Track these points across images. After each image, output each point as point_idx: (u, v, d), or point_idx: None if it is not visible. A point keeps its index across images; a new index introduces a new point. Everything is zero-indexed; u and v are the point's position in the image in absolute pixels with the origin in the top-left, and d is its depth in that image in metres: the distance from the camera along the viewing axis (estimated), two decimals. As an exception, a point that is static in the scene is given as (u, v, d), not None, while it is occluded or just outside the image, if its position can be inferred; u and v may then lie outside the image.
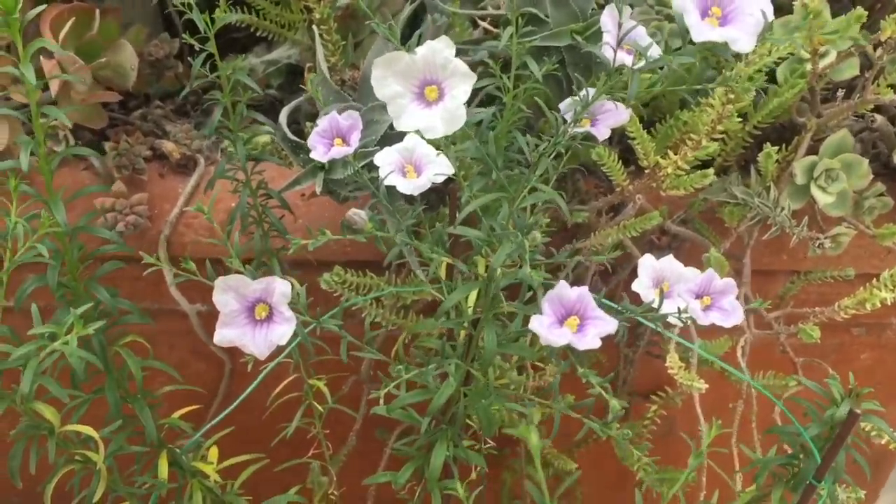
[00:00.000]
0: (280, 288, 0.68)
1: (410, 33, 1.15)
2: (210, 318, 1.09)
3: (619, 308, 0.75)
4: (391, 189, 0.77)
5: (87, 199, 1.10)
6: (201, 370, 1.20)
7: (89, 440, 0.82)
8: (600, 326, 0.65)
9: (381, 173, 0.75)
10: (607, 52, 0.64)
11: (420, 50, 0.63)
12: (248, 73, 1.19)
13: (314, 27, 1.05)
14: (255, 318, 0.69)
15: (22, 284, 0.79)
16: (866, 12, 0.93)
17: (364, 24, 1.17)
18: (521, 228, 0.65)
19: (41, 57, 1.02)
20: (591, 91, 0.69)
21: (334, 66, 1.06)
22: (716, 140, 0.94)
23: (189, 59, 0.85)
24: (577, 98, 0.66)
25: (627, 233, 0.98)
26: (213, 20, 0.84)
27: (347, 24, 1.16)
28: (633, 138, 0.93)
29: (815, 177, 1.01)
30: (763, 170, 1.01)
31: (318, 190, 0.90)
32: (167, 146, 1.13)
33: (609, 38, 0.64)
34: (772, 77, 1.04)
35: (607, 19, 0.65)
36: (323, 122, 0.74)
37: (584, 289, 0.66)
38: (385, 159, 0.76)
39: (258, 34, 1.20)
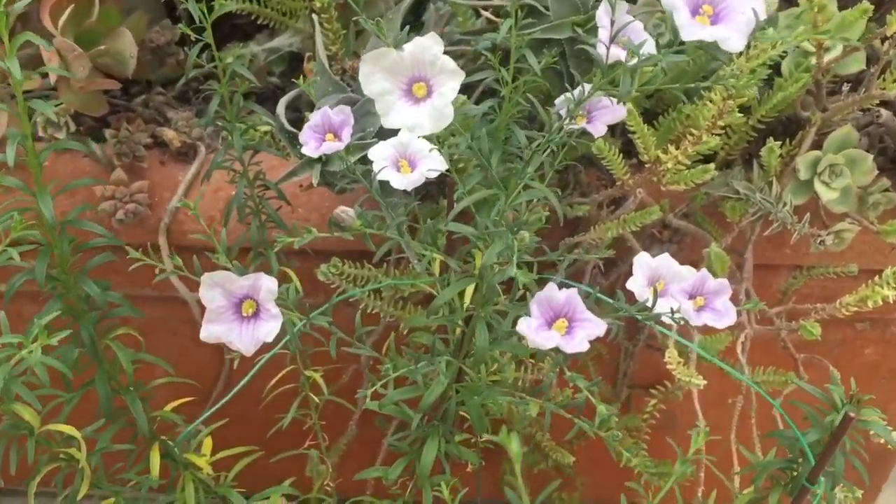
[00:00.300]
0: (267, 285, 0.67)
1: (413, 21, 1.15)
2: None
3: (614, 305, 0.74)
4: (386, 182, 0.76)
5: (86, 185, 1.11)
6: (204, 359, 1.20)
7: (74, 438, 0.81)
8: (589, 329, 0.64)
9: (375, 168, 0.74)
10: (601, 49, 0.63)
11: (408, 46, 0.63)
12: (250, 61, 1.19)
13: (314, 15, 1.04)
14: (241, 315, 0.69)
15: (10, 279, 0.78)
16: (873, 6, 0.91)
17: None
18: (511, 227, 0.64)
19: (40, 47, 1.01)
20: (589, 86, 0.68)
21: (335, 55, 1.05)
22: (717, 135, 0.92)
23: (202, 39, 0.84)
24: (568, 96, 0.65)
25: (627, 227, 0.97)
26: (210, 8, 0.84)
27: (349, 13, 1.15)
28: (634, 132, 0.92)
29: (819, 172, 1.00)
30: (766, 164, 1.00)
31: (315, 182, 0.90)
32: (168, 134, 1.13)
33: (603, 33, 0.63)
34: (778, 69, 1.02)
35: (602, 14, 0.64)
36: (315, 117, 0.74)
37: (573, 291, 0.65)
38: (379, 154, 0.76)
39: (260, 22, 1.20)
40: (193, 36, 0.82)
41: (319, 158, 0.89)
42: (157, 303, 1.16)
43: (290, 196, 1.06)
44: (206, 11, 0.82)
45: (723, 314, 0.70)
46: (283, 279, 0.97)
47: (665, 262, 0.73)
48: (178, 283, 1.12)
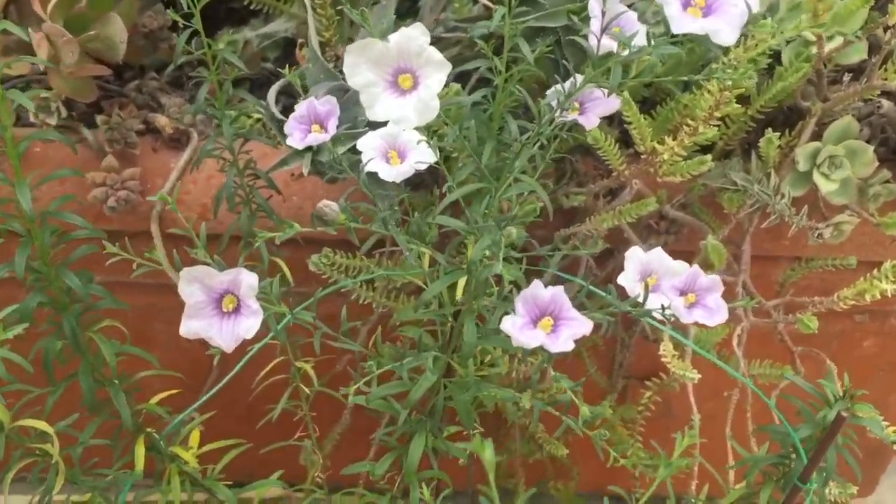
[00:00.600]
0: (247, 280, 0.66)
1: (410, 7, 1.14)
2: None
3: (606, 299, 0.73)
4: (376, 173, 0.75)
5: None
6: (199, 347, 1.19)
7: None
8: (575, 328, 0.63)
9: (364, 159, 0.73)
10: (592, 40, 0.61)
11: (394, 37, 0.61)
12: (244, 47, 1.18)
13: (307, 0, 1.02)
14: (222, 310, 0.68)
15: (-9, 271, 0.77)
16: (875, -5, 0.90)
17: (361, -3, 1.15)
18: (499, 222, 0.63)
19: (29, 29, 1.00)
20: (581, 77, 0.66)
21: (328, 42, 1.04)
22: (715, 125, 0.91)
23: (191, 24, 0.83)
24: (559, 88, 0.64)
25: (623, 218, 0.96)
26: (201, -6, 0.82)
27: (343, -2, 1.14)
28: (630, 122, 0.90)
29: (818, 164, 0.98)
30: (764, 155, 0.98)
31: (306, 171, 0.88)
32: (160, 120, 1.12)
33: (594, 23, 0.62)
34: (779, 57, 1.01)
35: (594, 3, 0.62)
36: (300, 108, 0.72)
37: (559, 289, 0.64)
38: (368, 144, 0.74)
39: (255, 6, 1.18)
40: (182, 22, 0.81)
41: (310, 147, 0.87)
42: (151, 291, 1.15)
43: (284, 184, 1.05)
44: (195, -2, 0.80)
45: (714, 311, 0.69)
46: (273, 269, 0.96)
47: (657, 256, 0.72)
48: (171, 271, 1.11)
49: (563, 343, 0.61)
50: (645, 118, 0.95)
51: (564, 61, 0.85)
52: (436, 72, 0.61)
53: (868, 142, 1.05)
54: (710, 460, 1.06)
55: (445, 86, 0.93)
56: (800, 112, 1.05)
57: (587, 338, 1.08)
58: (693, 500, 0.92)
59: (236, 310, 0.67)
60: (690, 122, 0.89)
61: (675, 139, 0.92)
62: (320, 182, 1.05)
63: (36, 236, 0.75)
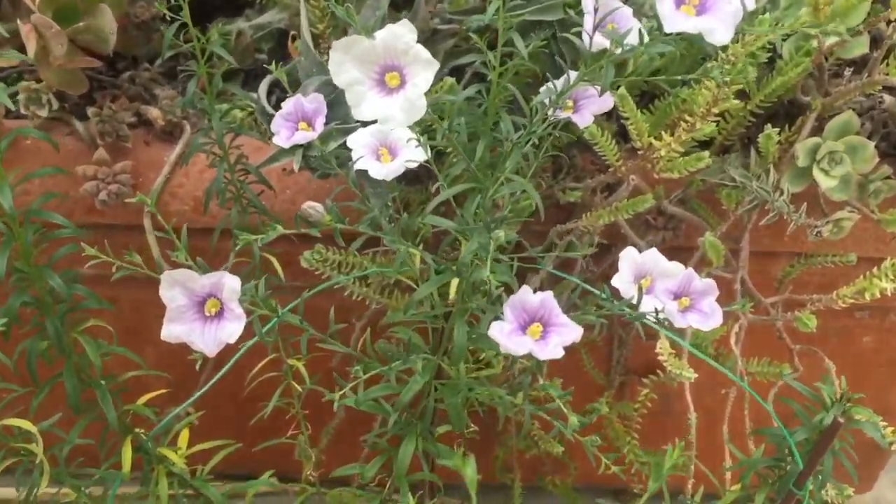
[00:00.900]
0: (230, 284, 0.65)
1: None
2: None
3: (599, 302, 0.72)
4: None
5: (69, 164, 1.08)
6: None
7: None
8: (564, 335, 0.61)
9: (354, 156, 0.71)
10: (585, 37, 0.60)
11: (380, 34, 0.59)
12: (237, 37, 1.16)
13: (299, -9, 1.01)
14: (204, 314, 0.66)
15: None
16: (877, -11, 0.88)
17: (356, -12, 1.13)
18: (488, 224, 0.61)
19: (18, 21, 0.99)
20: (575, 74, 0.65)
21: (321, 34, 1.02)
22: (713, 121, 0.89)
23: (179, 17, 0.81)
24: (551, 86, 0.62)
25: (620, 215, 0.94)
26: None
27: (336, -12, 1.12)
28: (627, 118, 0.89)
29: (818, 159, 0.97)
30: (763, 151, 0.97)
31: (296, 167, 0.87)
32: (152, 113, 1.11)
33: (588, 20, 0.60)
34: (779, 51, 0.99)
35: (587, 0, 0.61)
36: (287, 105, 0.71)
37: (549, 294, 0.62)
38: (359, 142, 0.73)
39: (248, -4, 1.17)
40: (169, 15, 0.79)
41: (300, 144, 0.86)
42: (144, 284, 1.14)
43: (277, 177, 1.04)
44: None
45: (709, 316, 0.67)
46: (265, 265, 0.95)
47: (652, 257, 0.70)
48: (163, 265, 1.09)
49: (552, 350, 0.60)
50: (642, 113, 0.93)
51: (559, 58, 0.84)
52: (423, 70, 0.59)
53: (869, 137, 1.03)
54: (709, 455, 1.05)
55: (440, 80, 0.92)
56: (800, 106, 1.03)
57: (584, 335, 1.08)
58: (688, 501, 0.91)
59: (219, 314, 0.66)
60: (688, 117, 0.87)
61: (672, 135, 0.90)
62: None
63: (18, 235, 0.74)
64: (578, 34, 0.88)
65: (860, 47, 0.97)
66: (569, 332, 0.61)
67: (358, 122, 0.88)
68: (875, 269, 0.94)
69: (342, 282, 0.91)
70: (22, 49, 1.02)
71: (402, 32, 0.59)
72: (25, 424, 0.78)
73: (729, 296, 1.04)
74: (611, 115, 1.06)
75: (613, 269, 1.10)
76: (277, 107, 0.97)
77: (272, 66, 0.78)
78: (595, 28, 0.59)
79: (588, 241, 0.92)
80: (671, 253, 1.07)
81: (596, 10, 0.58)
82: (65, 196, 1.08)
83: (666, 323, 0.66)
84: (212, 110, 0.85)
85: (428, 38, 1.00)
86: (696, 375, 0.93)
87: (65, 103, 1.12)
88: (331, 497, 1.10)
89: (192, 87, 0.85)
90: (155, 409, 0.86)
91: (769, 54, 0.95)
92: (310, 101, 0.71)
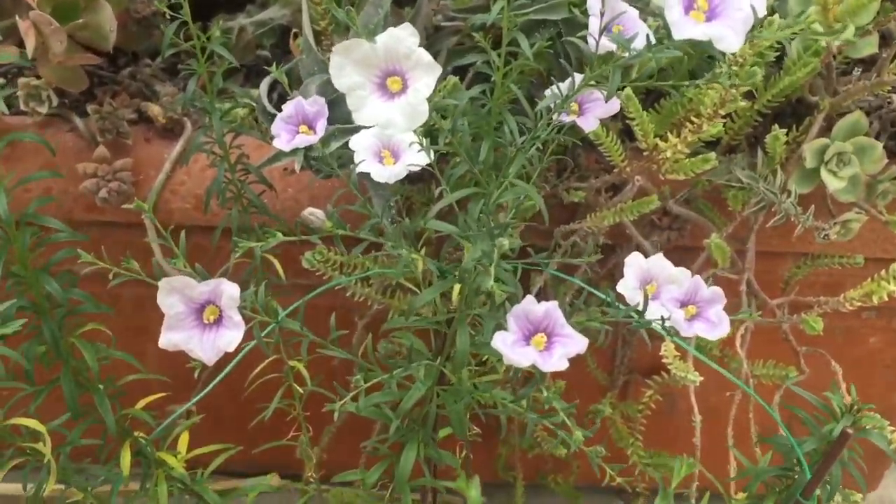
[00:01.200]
0: (228, 291, 0.64)
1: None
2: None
3: (604, 299, 0.70)
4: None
5: (70, 161, 1.07)
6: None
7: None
8: (569, 346, 0.60)
9: (357, 159, 0.70)
10: (590, 41, 0.58)
11: (381, 37, 0.58)
12: (238, 33, 1.15)
13: (301, -13, 0.99)
14: (203, 322, 0.65)
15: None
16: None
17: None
18: (492, 231, 0.60)
19: (17, 17, 0.98)
20: (580, 77, 0.64)
21: (323, 32, 1.01)
22: (720, 120, 0.88)
23: (179, 14, 0.80)
24: (556, 91, 0.61)
25: (625, 216, 0.93)
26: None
27: (339, -15, 1.11)
28: (632, 118, 0.88)
29: (826, 160, 0.95)
30: (770, 152, 0.96)
31: (298, 168, 0.86)
32: (153, 110, 1.09)
33: (593, 23, 0.59)
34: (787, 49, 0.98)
35: (593, 1, 0.60)
36: (288, 108, 0.70)
37: (553, 304, 0.61)
38: (361, 144, 0.72)
39: (251, -8, 1.16)
40: (168, 13, 0.78)
41: (301, 145, 0.85)
42: (148, 284, 1.13)
43: (278, 176, 1.03)
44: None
45: (716, 325, 0.66)
46: (266, 264, 0.94)
47: (658, 262, 0.69)
48: (165, 265, 1.08)
49: (556, 362, 0.59)
50: (648, 112, 0.92)
51: (563, 60, 0.82)
52: (425, 75, 0.58)
53: (877, 136, 1.02)
54: (713, 455, 1.04)
55: (443, 77, 0.91)
56: (807, 105, 1.02)
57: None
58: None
59: (218, 321, 0.65)
60: (695, 118, 0.86)
61: (678, 135, 0.89)
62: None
63: (14, 239, 0.73)
64: (583, 36, 0.87)
65: (869, 47, 0.95)
66: (573, 343, 0.60)
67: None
68: (883, 272, 0.93)
69: (344, 283, 0.90)
70: (21, 45, 1.02)
71: (404, 36, 0.58)
72: (34, 424, 0.78)
73: (734, 297, 1.03)
74: (616, 115, 1.05)
75: (618, 269, 1.10)
76: (279, 104, 0.96)
77: (273, 68, 0.76)
78: (601, 32, 0.57)
79: (593, 242, 0.91)
80: (676, 253, 1.07)
81: (602, 14, 0.57)
82: (65, 193, 1.07)
83: (672, 331, 0.65)
84: (212, 109, 0.84)
85: (430, 36, 0.98)
86: (702, 379, 0.92)
87: (65, 99, 1.11)
88: (333, 496, 1.10)
89: (192, 86, 0.83)
90: (153, 412, 0.85)
91: (777, 53, 0.94)
92: (311, 104, 0.70)
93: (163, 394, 0.89)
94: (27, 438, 0.80)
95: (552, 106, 0.63)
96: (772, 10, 0.73)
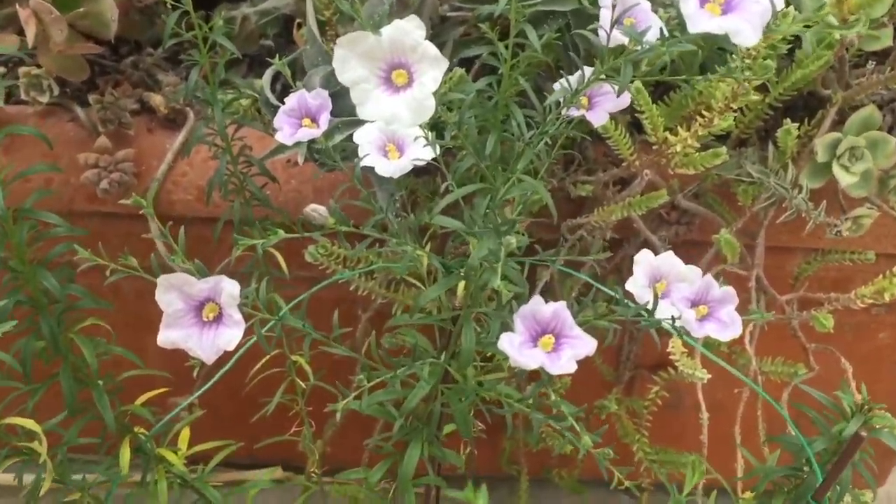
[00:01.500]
0: (228, 289, 0.62)
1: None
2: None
3: (612, 294, 0.69)
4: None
5: (71, 151, 1.06)
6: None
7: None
8: (578, 348, 0.59)
9: (361, 153, 0.69)
10: (601, 33, 0.57)
11: (387, 30, 0.57)
12: (241, 23, 1.13)
13: (304, -25, 0.97)
14: (202, 319, 0.64)
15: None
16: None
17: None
18: (498, 228, 0.59)
19: (17, 6, 0.97)
20: (590, 71, 0.62)
21: (328, 21, 0.99)
22: (732, 114, 0.86)
23: (181, 3, 0.79)
24: (565, 85, 0.60)
25: (633, 210, 0.92)
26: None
27: (345, -27, 1.09)
28: (642, 111, 0.86)
29: (839, 155, 0.94)
30: (782, 146, 0.94)
31: (301, 160, 0.85)
32: (155, 99, 1.08)
33: (605, 14, 0.57)
34: (799, 41, 0.96)
35: (605, -7, 0.58)
36: (291, 101, 0.68)
37: (562, 304, 0.60)
38: (365, 137, 0.70)
39: (253, -20, 1.14)
40: (171, 2, 0.77)
41: (304, 137, 0.83)
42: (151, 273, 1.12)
43: (282, 168, 1.01)
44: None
45: (727, 325, 0.65)
46: (269, 257, 0.93)
47: (668, 260, 0.68)
48: (166, 260, 1.07)
49: (564, 364, 0.58)
50: (657, 105, 0.90)
51: (572, 53, 0.81)
52: (431, 68, 0.57)
53: (890, 130, 1.00)
54: (719, 449, 1.03)
55: (450, 69, 0.90)
56: (819, 98, 1.00)
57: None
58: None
59: (217, 319, 0.63)
60: (706, 112, 0.85)
61: (688, 129, 0.87)
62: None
63: (12, 233, 0.72)
64: (593, 28, 0.85)
65: (884, 39, 0.94)
66: (582, 344, 0.59)
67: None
68: (894, 268, 0.91)
69: (347, 277, 0.89)
70: (21, 34, 1.00)
71: (410, 28, 0.56)
72: (29, 423, 0.76)
73: (743, 292, 1.02)
74: (624, 108, 1.04)
75: (625, 263, 1.09)
76: (283, 95, 0.95)
77: (276, 59, 0.75)
78: (613, 25, 0.56)
79: (600, 237, 0.89)
80: (685, 248, 1.06)
81: (614, 6, 0.56)
82: (66, 184, 1.06)
83: (682, 331, 0.64)
84: (214, 100, 0.83)
85: (436, 26, 0.97)
86: (710, 376, 0.91)
87: (66, 89, 1.10)
88: (335, 491, 1.09)
89: (193, 77, 0.82)
90: (154, 409, 0.84)
91: (789, 45, 0.92)
92: (314, 97, 0.68)
93: (164, 389, 0.88)
94: (23, 438, 0.79)
95: (561, 100, 0.61)
96: (786, 2, 0.71)
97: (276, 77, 1.02)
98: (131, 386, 0.91)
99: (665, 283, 0.67)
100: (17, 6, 0.96)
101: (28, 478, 0.85)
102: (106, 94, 1.06)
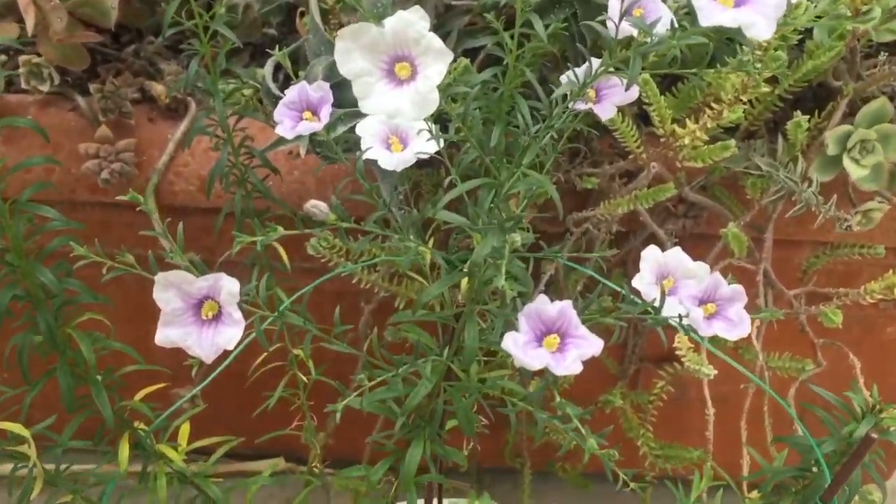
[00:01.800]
0: (227, 287, 0.61)
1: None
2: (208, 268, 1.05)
3: (618, 289, 0.68)
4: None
5: (72, 140, 1.05)
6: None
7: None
8: (584, 348, 0.57)
9: (363, 145, 0.68)
10: (609, 25, 0.56)
11: (390, 21, 0.55)
12: (244, 11, 1.12)
13: (306, -38, 0.96)
14: (201, 318, 0.63)
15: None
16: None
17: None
18: (503, 224, 0.58)
19: (16, -7, 0.95)
20: (598, 62, 0.61)
21: (331, 10, 0.98)
22: (741, 106, 0.85)
23: (170, -1, 0.78)
24: (572, 78, 0.58)
25: (640, 203, 0.91)
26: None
27: (348, -40, 1.07)
28: (649, 103, 0.85)
29: (849, 148, 0.92)
30: (791, 138, 0.92)
31: (303, 152, 0.83)
32: (156, 89, 1.07)
33: (613, 4, 0.56)
34: (810, 31, 0.94)
35: (613, -17, 0.57)
36: (291, 93, 0.67)
37: (567, 304, 0.58)
38: (368, 129, 0.69)
39: (256, -33, 1.12)
40: (170, -7, 0.76)
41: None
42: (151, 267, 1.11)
43: (284, 160, 1.00)
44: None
45: (736, 324, 0.64)
46: (270, 250, 0.92)
47: (675, 256, 0.66)
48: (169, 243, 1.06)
49: (570, 365, 0.56)
50: (665, 97, 0.89)
51: (579, 41, 0.79)
52: (435, 61, 0.55)
53: (901, 122, 0.99)
54: (725, 445, 1.02)
55: (454, 60, 0.88)
56: (829, 90, 0.99)
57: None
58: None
59: (217, 317, 0.62)
60: (715, 104, 0.83)
61: (696, 121, 0.86)
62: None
63: (8, 227, 0.70)
64: (601, 19, 0.83)
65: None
66: (588, 344, 0.57)
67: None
68: (905, 264, 0.90)
69: (349, 270, 0.87)
70: (21, 22, 0.99)
71: (414, 20, 0.55)
72: (17, 428, 0.75)
73: (751, 287, 1.00)
74: (631, 98, 1.02)
75: (631, 256, 1.07)
76: (286, 85, 0.93)
77: (276, 50, 0.73)
78: (622, 16, 0.54)
79: (606, 231, 0.88)
80: (692, 241, 1.04)
81: (623, -2, 0.54)
82: (67, 174, 1.05)
83: (690, 329, 0.63)
84: (215, 90, 0.81)
85: (441, 16, 0.95)
86: (716, 372, 0.90)
87: (67, 77, 1.09)
88: (338, 482, 1.08)
89: (193, 67, 0.81)
90: (153, 404, 0.83)
91: (800, 36, 0.90)
92: (315, 90, 0.67)
93: (164, 384, 0.87)
94: (13, 442, 0.78)
95: (568, 94, 0.60)
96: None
97: (279, 66, 1.00)
98: (132, 380, 0.90)
99: (672, 280, 0.66)
100: (16, -6, 0.95)
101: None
102: (107, 82, 1.05)
